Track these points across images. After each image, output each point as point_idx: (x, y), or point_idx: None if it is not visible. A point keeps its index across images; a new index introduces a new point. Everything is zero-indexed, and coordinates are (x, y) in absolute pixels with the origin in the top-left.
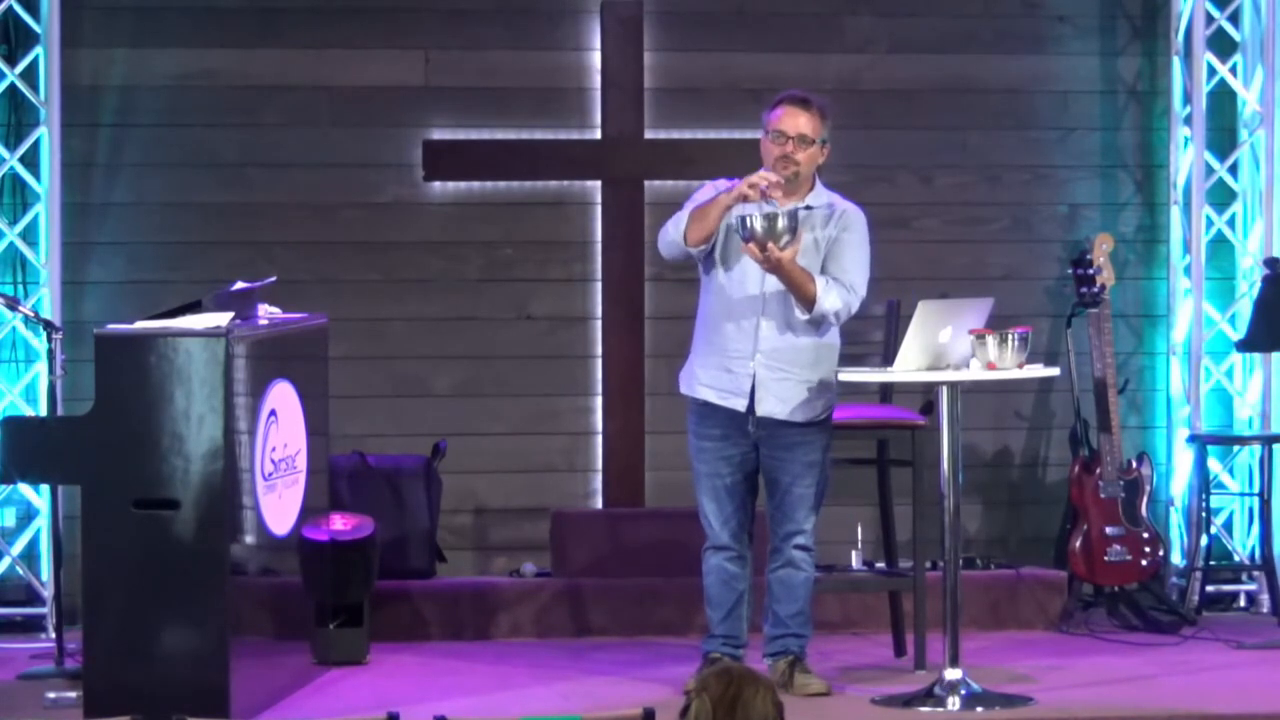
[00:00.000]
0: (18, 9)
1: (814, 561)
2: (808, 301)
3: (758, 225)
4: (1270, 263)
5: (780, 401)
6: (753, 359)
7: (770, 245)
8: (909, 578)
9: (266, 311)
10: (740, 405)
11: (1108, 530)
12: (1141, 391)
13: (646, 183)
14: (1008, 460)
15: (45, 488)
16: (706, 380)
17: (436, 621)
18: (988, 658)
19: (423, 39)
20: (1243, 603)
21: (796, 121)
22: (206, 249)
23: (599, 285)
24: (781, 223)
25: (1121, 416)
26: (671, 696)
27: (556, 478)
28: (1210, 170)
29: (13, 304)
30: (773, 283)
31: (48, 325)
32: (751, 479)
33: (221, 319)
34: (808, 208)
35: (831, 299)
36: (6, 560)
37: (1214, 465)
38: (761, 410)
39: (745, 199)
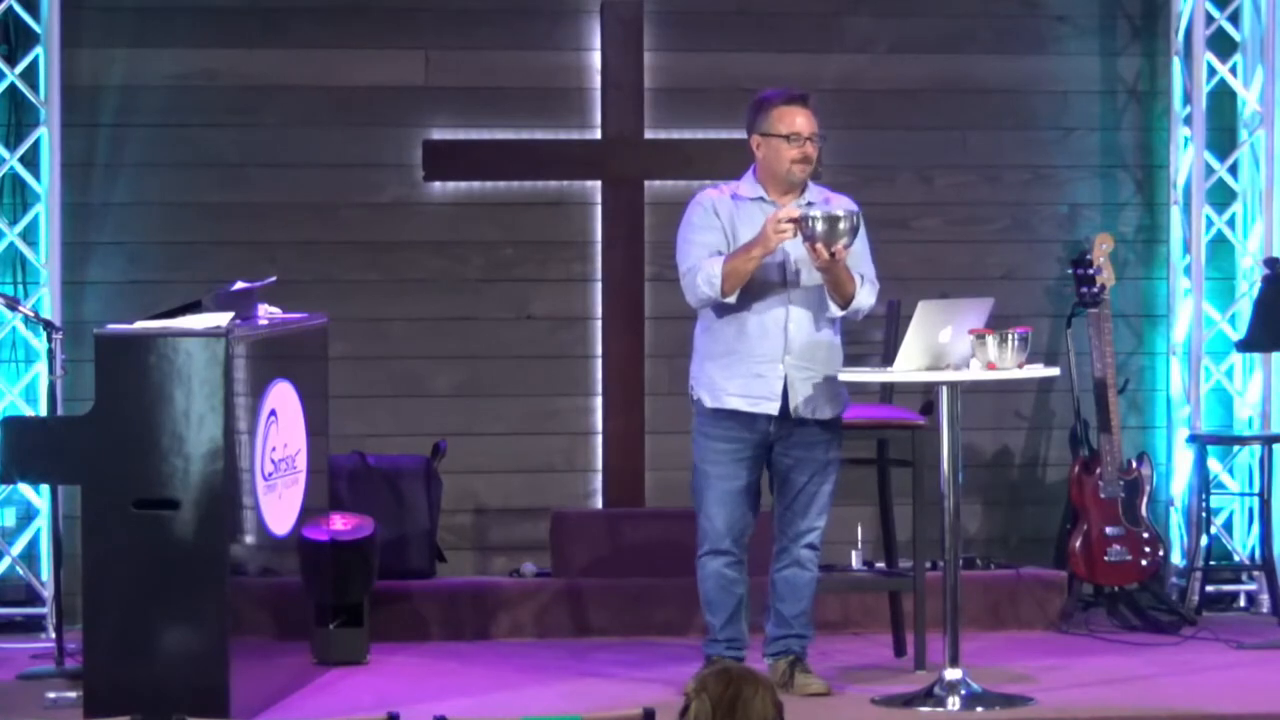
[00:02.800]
0: (18, 9)
1: (818, 562)
2: (846, 299)
3: (819, 226)
4: (1270, 263)
5: (809, 400)
6: (782, 361)
7: (838, 247)
8: (909, 578)
9: (266, 311)
10: (774, 409)
11: (1108, 530)
12: (1141, 391)
13: (646, 183)
14: (1008, 460)
15: (45, 488)
16: (735, 390)
17: (436, 621)
18: (988, 658)
19: (423, 39)
20: (1243, 603)
21: (805, 120)
22: (206, 249)
23: (599, 285)
24: (844, 224)
25: (1121, 416)
26: (671, 696)
27: (556, 478)
28: (1210, 170)
29: (13, 304)
30: (798, 280)
31: (48, 325)
32: (760, 481)
33: (221, 319)
34: (809, 204)
35: (864, 295)
36: (6, 560)
37: (1214, 465)
38: (795, 411)
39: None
